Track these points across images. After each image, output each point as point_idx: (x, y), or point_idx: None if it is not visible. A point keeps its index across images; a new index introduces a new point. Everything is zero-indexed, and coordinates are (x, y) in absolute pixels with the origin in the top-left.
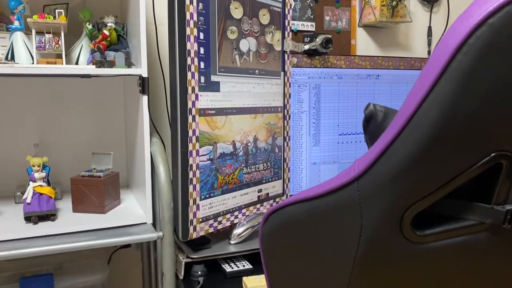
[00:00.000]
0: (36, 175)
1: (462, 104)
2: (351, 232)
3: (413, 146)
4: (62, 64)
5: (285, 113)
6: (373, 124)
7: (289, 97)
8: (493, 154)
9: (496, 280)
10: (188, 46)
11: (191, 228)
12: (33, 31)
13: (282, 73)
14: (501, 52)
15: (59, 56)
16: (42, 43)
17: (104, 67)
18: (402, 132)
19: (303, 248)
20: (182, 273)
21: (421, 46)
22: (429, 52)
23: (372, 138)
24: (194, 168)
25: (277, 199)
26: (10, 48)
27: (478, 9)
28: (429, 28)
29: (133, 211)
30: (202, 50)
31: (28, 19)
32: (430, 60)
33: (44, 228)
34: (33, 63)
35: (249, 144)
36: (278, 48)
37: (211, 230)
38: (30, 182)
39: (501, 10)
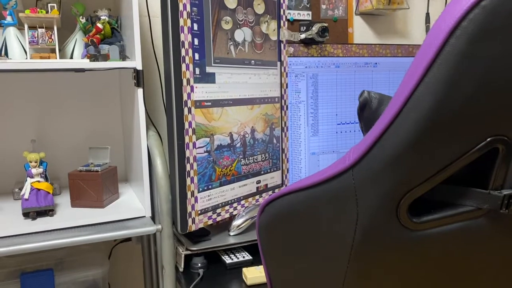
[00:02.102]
0: (34, 170)
1: (457, 88)
2: (347, 220)
3: (408, 132)
4: (56, 58)
5: (283, 104)
6: (367, 111)
7: (286, 87)
8: (489, 139)
9: (494, 266)
10: (182, 37)
11: (189, 221)
12: (26, 26)
13: (278, 63)
14: (495, 34)
15: (52, 50)
16: (35, 37)
17: (98, 61)
18: (397, 118)
19: (300, 238)
20: (182, 266)
21: (419, 33)
22: None
23: (367, 125)
24: (191, 160)
25: (276, 190)
26: (3, 44)
27: None
28: (427, 14)
29: (132, 204)
30: (196, 41)
31: (20, 14)
32: (423, 44)
33: (43, 223)
34: (26, 58)
35: (247, 135)
36: (274, 37)
37: (210, 222)
38: (28, 178)
39: None
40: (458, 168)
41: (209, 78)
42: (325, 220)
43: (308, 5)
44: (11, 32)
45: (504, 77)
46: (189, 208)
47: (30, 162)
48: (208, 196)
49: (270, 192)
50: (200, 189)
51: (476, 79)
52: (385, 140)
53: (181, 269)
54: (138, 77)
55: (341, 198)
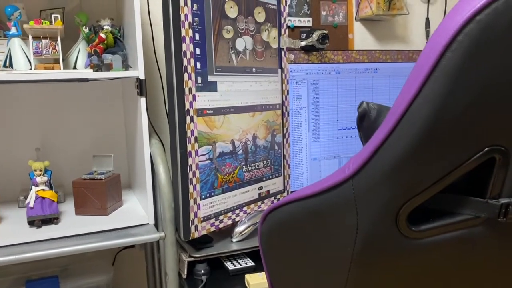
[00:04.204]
0: (38, 179)
1: (453, 100)
2: (348, 229)
3: (406, 143)
4: (60, 69)
5: (284, 110)
6: (366, 122)
7: (287, 94)
8: (486, 149)
9: (492, 273)
10: (184, 47)
11: (192, 228)
12: (30, 37)
13: (279, 70)
14: (489, 48)
15: (56, 61)
16: (39, 48)
17: (101, 71)
18: (395, 129)
19: (301, 246)
20: (185, 272)
21: (419, 38)
22: None
23: (366, 135)
24: (193, 168)
25: (278, 196)
26: (8, 55)
27: (466, 6)
28: (427, 19)
29: (135, 212)
30: (198, 51)
31: (25, 25)
32: (420, 57)
33: (48, 231)
34: (31, 69)
35: (248, 142)
36: (274, 45)
37: (212, 229)
38: (33, 187)
39: (488, 7)
40: (456, 178)
41: (211, 87)
42: (326, 229)
43: (308, 12)
44: (16, 43)
45: (499, 88)
46: (192, 215)
47: (35, 170)
48: (211, 203)
49: (272, 198)
50: (203, 196)
51: (472, 90)
52: (384, 150)
53: (184, 276)
54: (141, 87)
55: (341, 208)
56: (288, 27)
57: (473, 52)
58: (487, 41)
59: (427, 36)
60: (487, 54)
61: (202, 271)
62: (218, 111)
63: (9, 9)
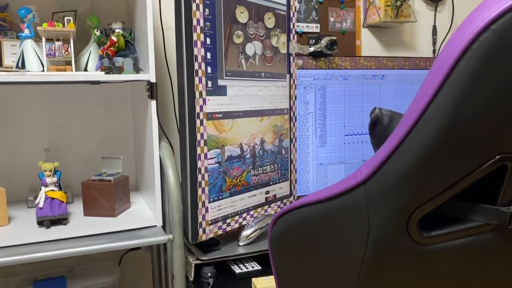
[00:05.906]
0: (48, 180)
1: (466, 107)
2: (359, 234)
3: (419, 150)
4: (72, 71)
5: (291, 115)
6: (379, 128)
7: (295, 99)
8: (497, 157)
9: (503, 280)
10: (195, 51)
11: (200, 231)
12: (43, 39)
13: (287, 75)
14: (504, 57)
15: (68, 63)
16: (52, 50)
17: (112, 73)
18: (408, 135)
19: (312, 250)
20: (192, 275)
21: (426, 46)
22: (434, 51)
23: (378, 141)
24: (202, 171)
25: (285, 200)
26: (21, 56)
27: (481, 15)
28: (434, 27)
29: (143, 214)
30: (209, 55)
31: (38, 28)
32: (434, 65)
33: (57, 232)
34: (43, 70)
35: (256, 146)
36: (283, 50)
37: (220, 232)
38: (42, 187)
39: (503, 16)
40: (468, 185)
41: (220, 91)
42: (337, 234)
43: (316, 18)
44: (29, 45)
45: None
46: (200, 218)
47: (45, 171)
48: (219, 206)
49: (278, 203)
50: (211, 200)
51: (486, 98)
52: (397, 156)
53: (191, 278)
54: (152, 90)
55: (353, 213)
56: (297, 32)
57: (488, 60)
58: (502, 50)
59: (434, 43)
60: (502, 62)
61: (209, 274)
62: (227, 115)
63: (22, 11)
